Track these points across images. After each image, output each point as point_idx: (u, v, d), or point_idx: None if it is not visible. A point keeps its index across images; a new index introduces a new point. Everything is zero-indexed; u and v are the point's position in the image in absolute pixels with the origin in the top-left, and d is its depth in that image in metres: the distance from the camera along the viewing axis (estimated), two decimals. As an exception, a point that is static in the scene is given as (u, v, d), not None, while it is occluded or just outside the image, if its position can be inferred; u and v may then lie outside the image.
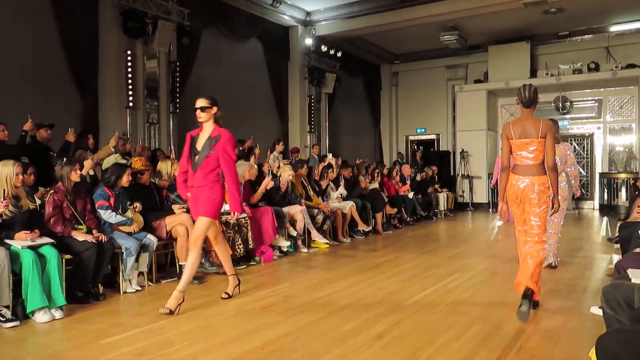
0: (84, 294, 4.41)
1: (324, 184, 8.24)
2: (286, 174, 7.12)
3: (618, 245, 5.93)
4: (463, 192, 13.92)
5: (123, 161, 6.41)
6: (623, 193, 12.28)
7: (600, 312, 3.03)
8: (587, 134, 13.50)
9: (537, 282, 3.83)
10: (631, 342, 1.76)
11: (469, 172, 13.80)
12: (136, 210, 5.04)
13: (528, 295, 3.70)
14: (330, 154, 10.22)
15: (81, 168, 4.83)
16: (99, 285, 4.58)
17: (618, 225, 6.20)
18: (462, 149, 13.87)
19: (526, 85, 4.15)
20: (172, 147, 8.88)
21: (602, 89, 13.15)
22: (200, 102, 4.21)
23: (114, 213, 4.84)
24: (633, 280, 2.47)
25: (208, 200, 4.10)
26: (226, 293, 4.49)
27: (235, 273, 4.61)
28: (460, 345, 3.27)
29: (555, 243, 5.55)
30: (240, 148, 8.17)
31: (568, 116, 13.50)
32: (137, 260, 4.82)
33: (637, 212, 5.63)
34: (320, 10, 12.29)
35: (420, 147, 15.64)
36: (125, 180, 5.02)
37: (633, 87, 12.59)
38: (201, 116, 4.21)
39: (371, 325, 3.70)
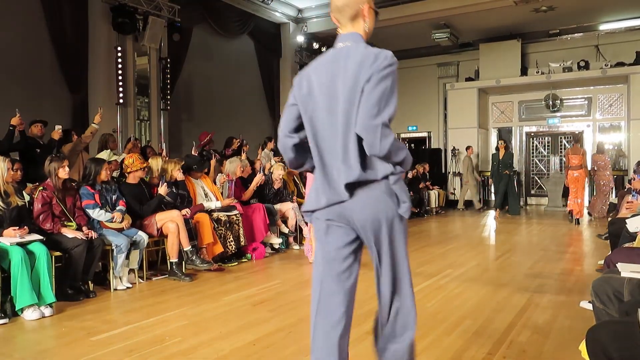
0: (74, 291, 4.39)
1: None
2: (278, 171, 7.11)
3: (607, 242, 5.98)
4: (454, 189, 13.97)
5: (114, 157, 6.36)
6: (612, 190, 12.38)
7: (590, 306, 3.05)
8: (577, 132, 13.59)
9: (581, 210, 9.50)
10: (621, 334, 1.77)
11: (460, 170, 13.85)
12: (114, 220, 4.87)
13: (575, 218, 9.44)
14: None
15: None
16: (89, 282, 4.55)
17: (608, 221, 6.26)
18: (454, 147, 13.91)
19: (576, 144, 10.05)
20: (163, 144, 8.83)
21: (591, 87, 13.23)
22: None
23: (102, 211, 4.80)
24: (622, 274, 2.48)
25: None
26: None
27: None
28: (451, 340, 3.28)
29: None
30: (233, 148, 8.17)
31: (558, 114, 13.58)
32: (127, 257, 4.80)
33: (626, 208, 5.67)
34: (311, 7, 12.27)
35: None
36: (104, 175, 4.95)
37: (622, 85, 12.68)
38: None
39: (363, 321, 3.69)
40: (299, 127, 1.98)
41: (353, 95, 1.84)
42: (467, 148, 12.86)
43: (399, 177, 1.89)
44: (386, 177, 1.86)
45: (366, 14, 1.96)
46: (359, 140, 1.82)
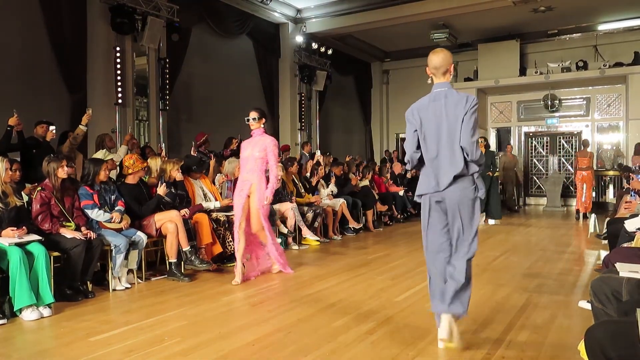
0: (73, 291, 4.38)
1: (314, 180, 8.24)
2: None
3: (606, 242, 5.98)
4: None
5: (111, 156, 6.34)
6: (611, 190, 12.42)
7: (588, 306, 3.05)
8: (575, 132, 13.62)
9: (589, 205, 10.47)
10: (619, 333, 1.77)
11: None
12: (113, 220, 4.86)
13: (582, 213, 10.45)
14: (319, 151, 10.18)
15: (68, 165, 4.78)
16: (88, 282, 4.54)
17: (606, 221, 6.26)
18: (452, 147, 13.89)
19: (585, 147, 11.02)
20: (162, 144, 8.81)
21: (590, 87, 13.26)
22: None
23: (101, 211, 4.80)
24: (621, 274, 2.49)
25: None
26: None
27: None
28: (450, 340, 3.28)
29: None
30: (231, 149, 8.16)
31: (557, 114, 13.60)
32: (126, 257, 4.79)
33: (625, 208, 5.68)
34: (310, 8, 12.26)
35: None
36: (102, 175, 4.94)
37: (620, 85, 12.71)
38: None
39: (362, 321, 3.70)
40: (419, 146, 3.10)
41: (455, 124, 2.97)
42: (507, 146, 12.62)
43: (479, 174, 3.05)
44: (472, 174, 3.01)
45: (451, 70, 3.06)
46: (461, 150, 2.96)
